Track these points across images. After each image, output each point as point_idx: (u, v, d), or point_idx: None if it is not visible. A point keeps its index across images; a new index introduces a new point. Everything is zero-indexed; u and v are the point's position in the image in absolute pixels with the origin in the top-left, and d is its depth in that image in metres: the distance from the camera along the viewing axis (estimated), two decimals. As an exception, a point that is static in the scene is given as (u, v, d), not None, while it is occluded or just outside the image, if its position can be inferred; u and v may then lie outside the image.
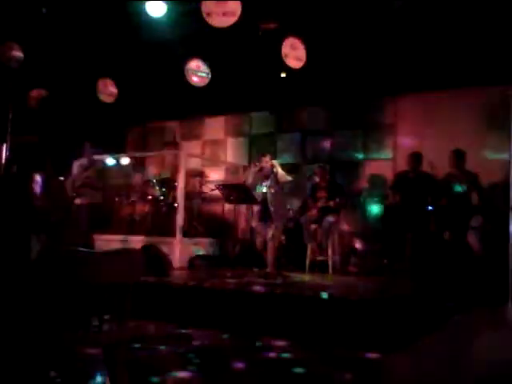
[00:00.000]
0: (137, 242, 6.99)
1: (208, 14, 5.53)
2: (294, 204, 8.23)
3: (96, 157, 7.72)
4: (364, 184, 8.08)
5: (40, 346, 2.02)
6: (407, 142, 7.74)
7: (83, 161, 7.36)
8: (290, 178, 6.44)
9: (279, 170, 6.31)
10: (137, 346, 3.77)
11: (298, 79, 7.40)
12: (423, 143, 7.28)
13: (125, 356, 2.36)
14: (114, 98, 8.04)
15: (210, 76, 7.31)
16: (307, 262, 7.02)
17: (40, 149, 6.63)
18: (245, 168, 8.56)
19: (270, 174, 6.31)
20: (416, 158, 6.69)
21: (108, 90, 8.10)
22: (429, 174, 6.59)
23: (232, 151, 9.52)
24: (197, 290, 5.20)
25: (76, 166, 7.37)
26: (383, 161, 7.96)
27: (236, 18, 5.48)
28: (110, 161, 8.64)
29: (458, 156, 6.43)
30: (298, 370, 3.52)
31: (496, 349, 3.37)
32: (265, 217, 6.28)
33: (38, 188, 6.23)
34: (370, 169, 8.06)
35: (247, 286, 5.39)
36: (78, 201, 6.99)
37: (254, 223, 6.70)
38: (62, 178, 8.34)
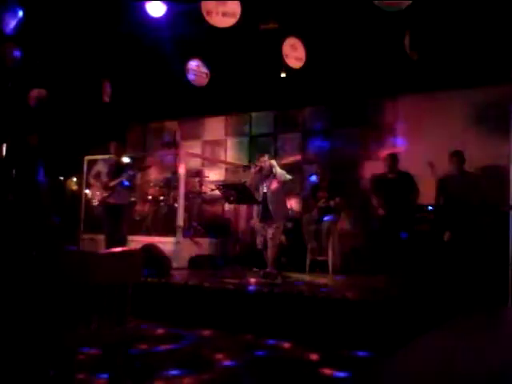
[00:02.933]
0: (137, 242, 6.98)
1: (208, 14, 5.52)
2: (294, 204, 8.23)
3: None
4: (364, 184, 8.07)
5: (39, 346, 2.03)
6: (407, 141, 7.75)
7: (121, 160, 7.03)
8: (289, 177, 6.42)
9: (278, 170, 6.31)
10: (137, 346, 3.78)
11: (298, 79, 7.40)
12: (423, 143, 7.28)
13: (125, 356, 2.36)
14: (109, 98, 8.00)
15: (209, 76, 7.30)
16: (307, 262, 7.03)
17: (39, 149, 6.62)
18: (244, 168, 8.55)
19: (270, 174, 6.31)
20: (393, 158, 6.72)
21: (105, 90, 8.06)
22: (407, 173, 6.59)
23: (232, 151, 9.51)
24: (197, 289, 5.20)
25: (107, 164, 7.04)
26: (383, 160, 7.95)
27: (236, 18, 5.47)
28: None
29: (458, 157, 6.42)
30: (298, 369, 3.52)
31: (495, 349, 3.37)
32: (265, 216, 6.27)
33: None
34: (370, 169, 8.05)
35: (247, 285, 5.39)
36: (110, 200, 6.73)
37: (254, 223, 6.69)
38: (61, 178, 8.33)
